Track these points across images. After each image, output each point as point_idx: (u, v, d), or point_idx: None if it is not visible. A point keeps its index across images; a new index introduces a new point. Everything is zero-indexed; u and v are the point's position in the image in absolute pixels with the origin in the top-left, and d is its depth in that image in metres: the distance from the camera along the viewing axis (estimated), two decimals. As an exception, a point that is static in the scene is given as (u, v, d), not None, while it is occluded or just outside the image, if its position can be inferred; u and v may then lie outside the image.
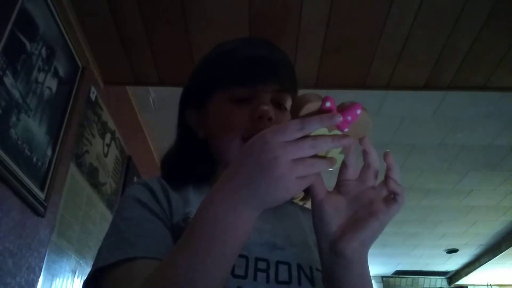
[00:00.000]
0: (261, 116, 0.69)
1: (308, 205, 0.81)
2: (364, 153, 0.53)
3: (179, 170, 0.74)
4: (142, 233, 0.60)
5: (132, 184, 0.73)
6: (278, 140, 0.43)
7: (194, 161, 0.74)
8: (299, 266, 0.64)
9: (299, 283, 0.62)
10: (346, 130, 0.48)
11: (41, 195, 1.48)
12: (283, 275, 0.62)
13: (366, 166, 0.54)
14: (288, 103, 0.74)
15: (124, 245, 0.58)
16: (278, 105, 0.73)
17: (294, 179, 0.44)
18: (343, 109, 0.47)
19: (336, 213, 0.53)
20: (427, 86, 1.96)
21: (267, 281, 0.60)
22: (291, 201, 0.80)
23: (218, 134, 0.73)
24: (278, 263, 0.62)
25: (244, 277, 0.59)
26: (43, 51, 1.48)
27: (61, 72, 1.63)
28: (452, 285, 6.36)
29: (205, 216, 0.47)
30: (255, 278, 0.59)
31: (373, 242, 0.53)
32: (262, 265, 0.61)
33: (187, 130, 0.79)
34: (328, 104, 0.46)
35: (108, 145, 2.18)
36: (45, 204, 1.50)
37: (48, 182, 1.52)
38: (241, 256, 0.60)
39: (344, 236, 0.52)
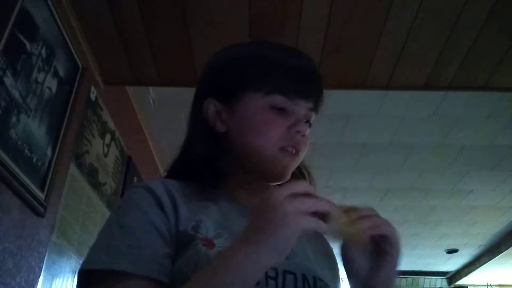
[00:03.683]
0: (298, 131, 0.71)
1: None
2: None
3: (194, 164, 0.73)
4: (135, 244, 0.58)
5: (133, 186, 0.72)
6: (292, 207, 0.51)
7: (209, 154, 0.73)
8: (304, 277, 0.65)
9: None
10: None
11: (41, 195, 1.48)
12: (290, 285, 0.63)
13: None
14: (312, 120, 0.76)
15: (113, 253, 0.57)
16: (307, 122, 0.74)
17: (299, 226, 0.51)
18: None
19: (361, 254, 0.65)
20: (427, 86, 1.96)
21: None
22: None
23: (248, 134, 0.72)
24: (285, 272, 0.63)
25: (257, 283, 0.59)
26: (43, 51, 1.48)
27: (61, 72, 1.63)
28: (452, 285, 6.36)
29: (228, 263, 0.52)
30: (267, 284, 0.60)
31: (395, 272, 0.65)
32: (271, 272, 0.62)
33: (202, 121, 0.76)
34: None
35: (108, 145, 2.18)
36: (45, 204, 1.50)
37: (48, 182, 1.52)
38: None
39: (373, 274, 0.64)
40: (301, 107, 0.72)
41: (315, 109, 0.75)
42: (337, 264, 0.81)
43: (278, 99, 0.71)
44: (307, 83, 0.73)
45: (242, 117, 0.73)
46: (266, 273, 0.61)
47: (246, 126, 0.72)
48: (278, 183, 0.75)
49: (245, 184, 0.76)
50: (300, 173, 0.81)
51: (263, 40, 0.81)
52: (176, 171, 0.77)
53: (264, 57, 0.75)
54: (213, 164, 0.73)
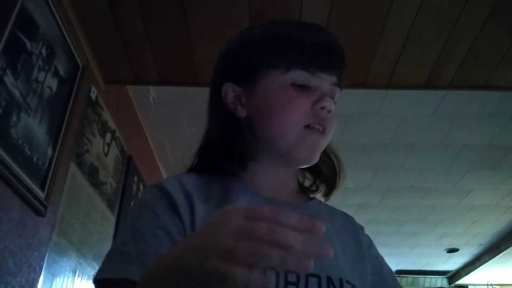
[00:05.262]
0: (323, 107, 0.67)
1: (331, 202, 0.79)
2: None
3: (216, 152, 0.70)
4: (144, 251, 0.57)
5: (149, 186, 0.69)
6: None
7: (232, 141, 0.69)
8: (329, 279, 0.61)
9: None
10: None
11: (42, 195, 1.48)
12: None
13: None
14: (336, 98, 0.73)
15: (123, 261, 0.57)
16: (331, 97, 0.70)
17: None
18: None
19: None
20: (427, 86, 1.96)
21: None
22: (316, 199, 0.78)
23: (271, 115, 0.68)
24: (308, 275, 0.60)
25: None
26: (43, 51, 1.49)
27: (62, 72, 1.63)
28: (453, 285, 6.36)
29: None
30: None
31: None
32: (292, 277, 0.59)
33: (222, 107, 0.72)
34: None
35: (109, 145, 2.18)
36: (46, 203, 1.51)
37: (48, 181, 1.53)
38: (271, 268, 0.59)
39: None
40: (325, 82, 0.69)
41: (339, 84, 0.71)
42: (367, 254, 0.75)
43: (300, 74, 0.67)
44: (329, 56, 0.69)
45: (262, 97, 0.69)
46: (285, 278, 0.58)
47: (268, 107, 0.68)
48: (305, 166, 0.72)
49: (269, 172, 0.72)
50: (327, 159, 0.77)
51: (278, 18, 0.76)
52: (198, 163, 0.74)
53: (281, 33, 0.71)
54: (236, 150, 0.69)
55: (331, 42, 0.71)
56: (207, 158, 0.72)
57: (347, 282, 0.63)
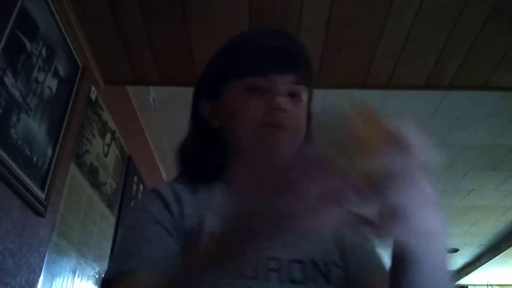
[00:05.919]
0: (276, 106, 0.69)
1: None
2: None
3: (196, 160, 0.74)
4: (144, 243, 0.60)
5: (145, 192, 0.74)
6: None
7: (209, 150, 0.74)
8: (314, 263, 0.63)
9: (315, 281, 0.61)
10: None
11: (42, 195, 1.48)
12: (297, 274, 0.61)
13: None
14: (303, 95, 0.74)
15: (126, 256, 0.60)
16: (294, 96, 0.72)
17: None
18: None
19: None
20: (427, 86, 1.96)
21: (280, 281, 0.60)
22: None
23: (232, 122, 0.72)
24: (291, 262, 0.61)
25: (255, 277, 0.58)
26: (43, 51, 1.48)
27: (61, 72, 1.63)
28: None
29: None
30: (267, 278, 0.59)
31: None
32: (273, 263, 0.60)
33: (200, 121, 0.78)
34: None
35: (108, 145, 2.18)
36: (46, 203, 1.51)
37: (48, 181, 1.53)
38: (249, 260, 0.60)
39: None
40: (279, 83, 0.70)
41: (301, 82, 0.73)
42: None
43: (253, 79, 0.70)
44: (281, 57, 0.71)
45: (226, 106, 0.74)
46: (267, 265, 0.60)
47: (229, 115, 0.73)
48: (275, 163, 0.73)
49: (248, 175, 0.73)
50: None
51: (253, 29, 0.81)
52: (182, 172, 0.77)
53: (233, 45, 0.76)
54: (214, 159, 0.73)
55: (284, 43, 0.74)
56: (189, 167, 0.76)
57: (337, 265, 0.64)
